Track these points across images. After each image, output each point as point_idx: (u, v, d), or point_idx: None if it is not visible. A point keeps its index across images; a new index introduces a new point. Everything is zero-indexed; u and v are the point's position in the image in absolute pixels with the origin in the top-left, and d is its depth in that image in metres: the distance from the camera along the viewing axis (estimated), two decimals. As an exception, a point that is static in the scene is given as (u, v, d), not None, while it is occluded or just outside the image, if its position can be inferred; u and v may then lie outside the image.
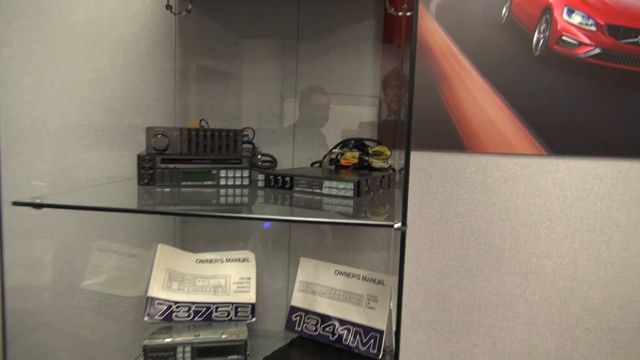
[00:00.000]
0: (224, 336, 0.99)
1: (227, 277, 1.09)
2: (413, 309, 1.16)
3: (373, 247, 1.15)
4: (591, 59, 1.05)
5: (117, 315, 1.12)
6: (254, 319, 1.03)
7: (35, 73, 1.17)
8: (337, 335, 1.01)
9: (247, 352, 0.99)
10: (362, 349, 0.98)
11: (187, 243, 1.18)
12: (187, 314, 1.01)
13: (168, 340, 0.97)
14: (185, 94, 1.15)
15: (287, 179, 0.88)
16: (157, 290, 1.03)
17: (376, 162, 1.00)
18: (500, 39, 1.07)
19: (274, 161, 1.10)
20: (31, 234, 1.17)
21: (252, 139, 1.06)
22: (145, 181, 0.88)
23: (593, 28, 1.05)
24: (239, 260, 1.11)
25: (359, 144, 1.06)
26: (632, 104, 1.05)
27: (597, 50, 1.05)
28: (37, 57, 1.17)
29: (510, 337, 1.13)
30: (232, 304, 1.04)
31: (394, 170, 1.03)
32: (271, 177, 0.90)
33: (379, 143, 1.07)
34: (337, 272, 1.07)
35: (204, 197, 0.83)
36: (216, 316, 1.02)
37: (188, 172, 0.90)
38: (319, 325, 1.03)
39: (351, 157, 1.01)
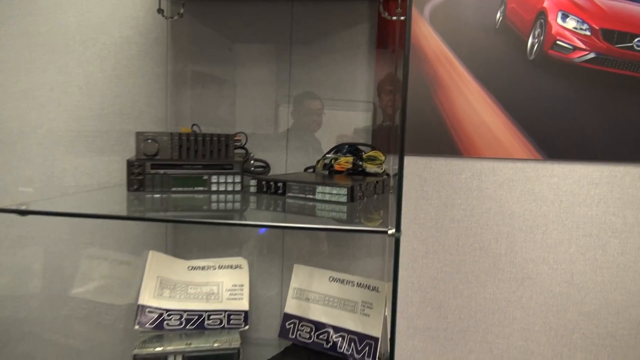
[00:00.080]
0: (216, 345, 0.97)
1: (219, 285, 1.07)
2: (408, 316, 1.14)
3: (368, 253, 1.14)
4: (586, 63, 1.05)
5: (107, 324, 1.11)
6: (247, 327, 1.02)
7: (25, 78, 1.15)
8: (331, 343, 0.99)
9: (240, 361, 0.97)
10: (357, 356, 0.96)
11: (179, 250, 1.16)
12: (178, 322, 1.00)
13: (159, 349, 0.95)
14: (177, 99, 1.14)
15: (280, 184, 0.87)
16: (148, 298, 1.02)
17: (370, 167, 0.99)
18: (495, 44, 1.07)
19: (266, 166, 1.09)
20: (19, 241, 1.15)
21: (244, 144, 1.05)
22: (135, 187, 0.87)
23: (587, 32, 1.04)
24: (231, 267, 1.10)
25: (353, 149, 1.04)
26: (627, 109, 1.05)
27: (592, 55, 1.05)
28: (26, 61, 1.15)
29: (507, 344, 1.12)
30: (225, 311, 1.03)
31: (388, 175, 1.02)
32: (263, 182, 0.89)
33: (373, 148, 1.06)
34: (331, 279, 1.06)
35: (195, 203, 0.82)
36: (208, 324, 1.01)
37: (179, 178, 0.89)
38: (313, 333, 1.02)
39: (345, 162, 1.00)
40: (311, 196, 0.84)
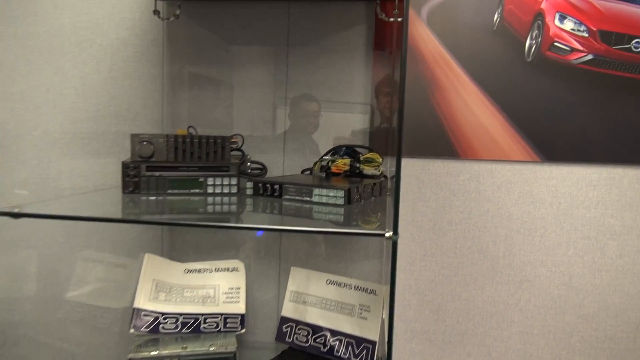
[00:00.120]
0: (212, 348, 0.96)
1: (215, 288, 1.06)
2: (406, 319, 1.14)
3: (365, 256, 1.13)
4: (584, 65, 1.05)
5: (103, 328, 1.10)
6: (243, 330, 1.01)
7: (20, 79, 1.15)
8: (328, 347, 0.98)
9: (236, 365, 0.96)
10: (354, 360, 0.95)
11: (176, 252, 1.15)
12: (174, 326, 0.99)
13: (154, 353, 0.94)
14: (174, 100, 1.13)
15: (276, 186, 0.86)
16: (144, 301, 1.01)
17: (367, 169, 0.99)
18: (492, 45, 1.07)
19: (263, 168, 1.08)
20: (14, 243, 1.14)
21: (241, 146, 1.04)
22: (130, 189, 0.86)
23: (585, 34, 1.04)
24: (228, 269, 1.09)
25: (350, 151, 1.04)
26: (625, 110, 1.05)
27: (590, 57, 1.04)
28: (22, 63, 1.15)
29: (505, 347, 1.11)
30: (221, 314, 1.02)
31: (385, 177, 1.02)
32: (260, 184, 0.88)
33: (370, 150, 1.05)
34: (328, 282, 1.05)
35: (191, 206, 0.81)
36: (204, 327, 1.00)
37: (174, 180, 0.88)
38: (310, 336, 1.01)
39: (342, 164, 1.00)
40: (308, 198, 0.83)
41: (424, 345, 1.14)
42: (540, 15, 1.05)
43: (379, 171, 1.00)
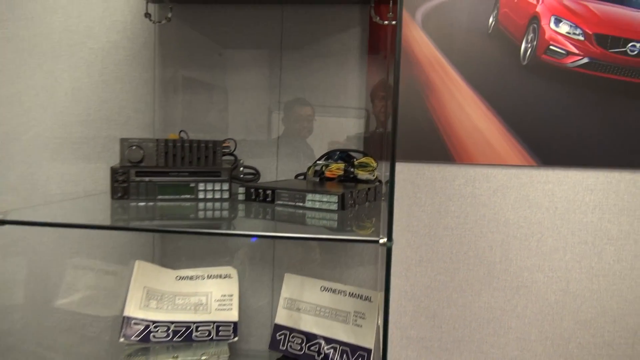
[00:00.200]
0: (204, 357, 0.95)
1: (208, 295, 1.05)
2: (402, 326, 1.12)
3: (360, 262, 1.11)
4: (579, 68, 1.04)
5: (92, 336, 1.07)
6: (236, 339, 0.99)
7: (9, 83, 1.13)
8: (323, 355, 0.97)
9: (229, 374, 0.95)
10: (349, 369, 0.94)
11: (167, 259, 1.13)
12: (165, 334, 0.97)
13: (145, 362, 0.92)
14: (166, 104, 1.11)
15: (269, 192, 0.84)
16: (134, 309, 0.99)
17: (362, 174, 0.97)
18: (488, 49, 1.06)
19: (256, 173, 1.07)
20: (2, 250, 1.12)
21: (233, 151, 1.03)
22: (119, 195, 0.84)
23: (581, 37, 1.03)
24: (220, 276, 1.07)
25: (345, 156, 1.03)
26: (621, 114, 1.04)
27: (586, 60, 1.04)
28: (11, 66, 1.13)
29: (502, 354, 1.10)
30: (214, 322, 1.00)
31: (380, 182, 1.00)
32: (252, 190, 0.86)
33: (364, 154, 1.04)
34: (322, 288, 1.03)
35: (182, 212, 0.79)
36: (196, 336, 0.98)
37: (164, 186, 0.86)
38: (304, 344, 0.99)
39: (336, 168, 0.98)
40: (301, 204, 0.82)
41: (420, 352, 1.12)
42: (535, 19, 1.04)
43: (373, 176, 0.98)
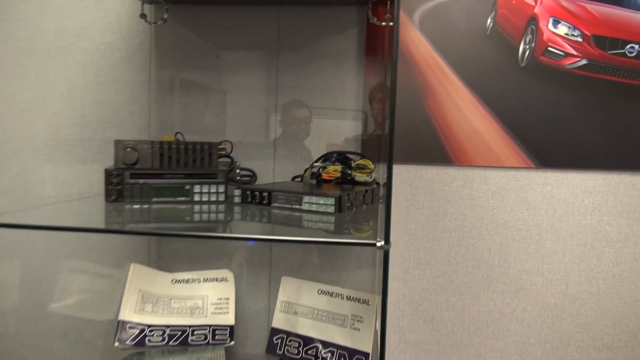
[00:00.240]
0: (199, 362, 0.93)
1: (204, 298, 1.04)
2: (400, 329, 1.11)
3: (358, 265, 1.10)
4: (578, 70, 1.03)
5: (87, 341, 1.06)
6: (232, 343, 0.98)
7: (3, 84, 1.12)
8: (320, 359, 0.96)
9: (225, 379, 0.94)
10: (347, 373, 0.93)
11: (163, 262, 1.12)
12: (161, 338, 0.96)
13: (139, 367, 0.91)
14: (162, 106, 1.11)
15: (265, 194, 0.84)
16: (129, 313, 0.98)
17: (359, 176, 0.96)
18: (486, 50, 1.05)
19: (253, 175, 1.06)
20: (-5, 254, 1.11)
21: (230, 153, 1.02)
22: (113, 197, 0.83)
23: (579, 39, 1.03)
24: (217, 279, 1.06)
25: (342, 158, 1.02)
26: (620, 116, 1.03)
27: (584, 62, 1.03)
28: (5, 68, 1.12)
29: (501, 357, 1.09)
30: (210, 326, 0.99)
31: (378, 184, 1.00)
32: (248, 192, 0.85)
33: (362, 156, 1.03)
34: (320, 292, 1.02)
35: (177, 214, 0.78)
36: (192, 340, 0.97)
37: (159, 188, 0.85)
38: (301, 348, 0.98)
39: (333, 170, 0.97)
40: (297, 206, 0.81)
41: (418, 356, 1.11)
42: (533, 20, 1.04)
43: (371, 178, 0.97)
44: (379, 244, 0.61)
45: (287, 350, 0.99)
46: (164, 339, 0.96)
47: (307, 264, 1.11)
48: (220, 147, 0.94)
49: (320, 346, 0.97)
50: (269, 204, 0.84)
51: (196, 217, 0.78)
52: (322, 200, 0.79)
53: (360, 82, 1.07)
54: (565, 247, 1.06)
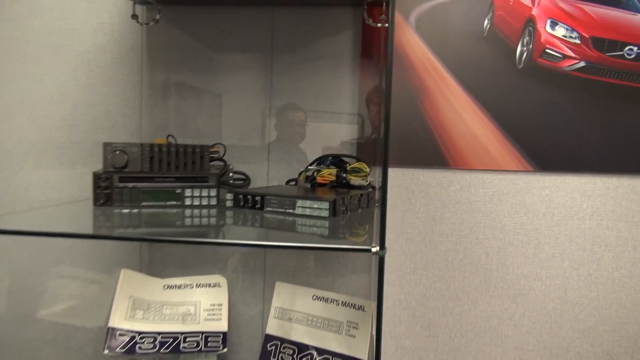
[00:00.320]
0: (191, 370, 0.91)
1: (196, 304, 1.01)
2: (397, 335, 1.09)
3: (353, 270, 1.08)
4: (576, 72, 1.02)
5: (76, 349, 1.04)
6: (225, 350, 0.96)
7: (-9, 86, 1.10)
8: (315, 366, 0.94)
9: (217, 387, 0.91)
10: (342, 381, 0.91)
11: (155, 267, 1.10)
12: (152, 346, 0.94)
13: (129, 375, 0.88)
14: (154, 109, 1.09)
15: (258, 198, 0.82)
16: (119, 319, 0.96)
17: (355, 180, 0.95)
18: (483, 52, 1.04)
19: (246, 179, 1.04)
20: (-18, 259, 1.08)
21: (223, 156, 1.00)
22: (101, 201, 0.81)
23: (577, 41, 1.02)
24: (209, 285, 1.04)
25: (337, 161, 1.00)
26: (619, 118, 1.02)
27: (582, 64, 1.02)
28: (-7, 69, 1.10)
29: (499, 364, 1.07)
30: (202, 333, 0.97)
31: (373, 188, 0.98)
32: (240, 196, 0.83)
33: (357, 159, 1.02)
34: (315, 297, 1.00)
35: (167, 219, 0.76)
36: (184, 347, 0.95)
37: (149, 192, 0.83)
38: (295, 355, 0.96)
39: (328, 174, 0.95)
40: (291, 210, 0.79)
41: (415, 362, 1.09)
42: (531, 22, 1.03)
43: (366, 181, 0.96)
44: (374, 250, 0.60)
45: (282, 357, 0.97)
46: (155, 347, 0.94)
47: (302, 269, 1.10)
48: (212, 150, 0.92)
49: (315, 353, 0.95)
50: (261, 208, 0.82)
51: (187, 221, 0.76)
52: (316, 204, 0.77)
53: (355, 84, 1.06)
54: (564, 252, 1.05)
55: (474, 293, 1.07)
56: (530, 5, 1.02)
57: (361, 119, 1.06)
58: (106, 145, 0.82)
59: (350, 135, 1.07)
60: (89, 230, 0.75)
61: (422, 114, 1.05)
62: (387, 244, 1.07)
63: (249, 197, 0.82)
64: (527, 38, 1.03)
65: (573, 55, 1.02)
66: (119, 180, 0.81)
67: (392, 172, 1.06)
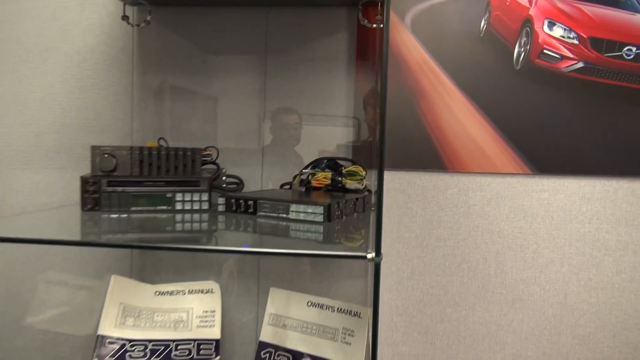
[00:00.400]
0: (183, 379, 0.89)
1: (189, 311, 0.99)
2: (393, 342, 1.07)
3: (349, 275, 1.06)
4: (574, 73, 1.01)
5: (64, 357, 1.02)
6: (218, 358, 0.94)
7: (-22, 89, 1.07)
8: (310, 374, 0.92)
9: (209, 397, 0.89)
10: (337, 390, 0.89)
11: (146, 273, 1.08)
12: (142, 354, 0.92)
13: (119, 385, 0.86)
14: (145, 112, 1.07)
15: (250, 202, 0.80)
16: (109, 327, 0.93)
17: (350, 183, 0.93)
18: (480, 53, 1.02)
19: (240, 183, 1.02)
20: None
21: (215, 159, 0.98)
22: (89, 206, 0.79)
23: (575, 41, 1.00)
24: (202, 291, 1.02)
25: (332, 164, 0.98)
26: (618, 119, 1.00)
27: (580, 64, 1.00)
28: (-19, 71, 1.08)
29: (498, 371, 1.05)
30: (194, 340, 0.95)
31: (369, 191, 0.96)
32: (232, 200, 0.81)
33: (353, 163, 1.00)
34: (309, 304, 0.98)
35: (157, 224, 0.74)
36: (176, 355, 0.93)
37: (139, 196, 0.81)
38: (290, 363, 0.94)
39: (323, 177, 0.94)
40: (284, 215, 0.77)
41: (412, 370, 1.07)
42: (528, 22, 1.01)
43: (362, 185, 0.94)
44: (369, 256, 0.58)
45: (276, 365, 0.95)
46: (145, 355, 0.92)
47: (297, 274, 1.07)
48: (205, 153, 0.90)
49: (310, 361, 0.93)
50: (254, 212, 0.80)
51: (178, 226, 0.74)
52: (310, 209, 0.75)
53: (351, 86, 1.04)
54: (563, 256, 1.03)
55: (472, 298, 1.05)
56: (528, 5, 1.01)
57: (357, 121, 1.05)
58: (94, 148, 0.80)
59: (346, 138, 1.05)
60: (76, 236, 0.73)
61: (418, 116, 1.04)
62: (384, 248, 1.05)
63: (242, 201, 0.80)
64: (525, 39, 1.02)
65: (571, 56, 1.01)
66: (107, 185, 0.79)
67: (388, 175, 1.04)
